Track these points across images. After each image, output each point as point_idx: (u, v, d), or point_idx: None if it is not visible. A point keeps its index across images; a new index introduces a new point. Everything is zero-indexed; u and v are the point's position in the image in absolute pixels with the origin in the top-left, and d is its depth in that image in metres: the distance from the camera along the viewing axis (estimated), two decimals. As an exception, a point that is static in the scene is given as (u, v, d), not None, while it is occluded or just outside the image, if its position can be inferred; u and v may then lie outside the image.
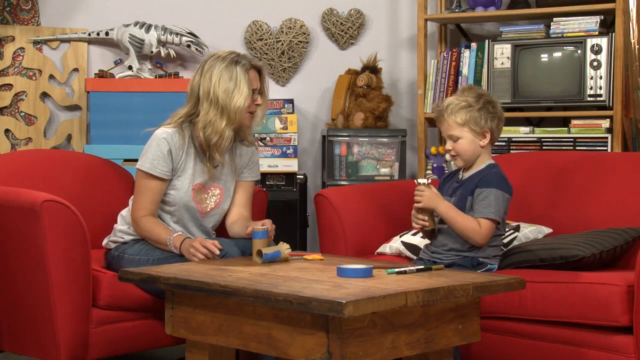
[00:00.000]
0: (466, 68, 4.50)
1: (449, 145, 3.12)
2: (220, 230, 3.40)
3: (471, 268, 3.04)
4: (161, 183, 3.20)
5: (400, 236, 3.54)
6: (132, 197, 3.36)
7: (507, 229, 3.41)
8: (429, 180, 3.07)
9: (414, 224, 3.13)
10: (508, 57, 4.34)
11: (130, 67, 4.75)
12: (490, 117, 3.09)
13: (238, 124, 3.22)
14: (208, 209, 3.29)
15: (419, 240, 3.42)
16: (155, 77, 4.74)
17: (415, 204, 3.08)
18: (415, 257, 3.31)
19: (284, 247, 2.96)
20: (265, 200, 3.68)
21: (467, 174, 3.15)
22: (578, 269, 3.08)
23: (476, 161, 3.13)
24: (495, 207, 3.01)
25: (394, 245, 3.51)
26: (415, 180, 3.11)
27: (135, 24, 4.76)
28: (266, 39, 4.96)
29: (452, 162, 3.60)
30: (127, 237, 3.28)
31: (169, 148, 3.18)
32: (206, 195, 3.29)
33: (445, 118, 3.10)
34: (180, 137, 3.21)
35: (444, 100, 3.18)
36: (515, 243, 3.36)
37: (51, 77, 4.84)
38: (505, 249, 3.25)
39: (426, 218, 3.07)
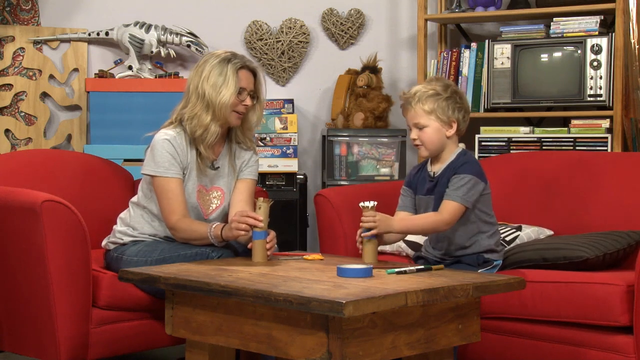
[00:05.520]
0: (466, 68, 4.50)
1: (414, 134, 3.09)
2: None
3: (476, 267, 3.04)
4: (179, 181, 3.19)
5: (401, 235, 3.54)
6: (131, 199, 3.37)
7: (508, 228, 3.41)
8: (373, 204, 2.97)
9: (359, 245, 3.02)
10: (508, 57, 4.34)
11: (130, 67, 4.75)
12: (457, 108, 3.07)
13: (224, 121, 3.21)
14: (210, 210, 3.29)
15: (420, 238, 3.42)
16: (155, 77, 4.74)
17: (367, 231, 2.94)
18: (414, 252, 3.30)
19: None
20: (265, 200, 3.68)
21: (437, 169, 3.11)
22: (581, 270, 3.08)
23: (444, 152, 3.10)
24: (464, 192, 2.99)
25: (395, 243, 3.51)
26: (360, 204, 2.98)
27: (135, 24, 4.76)
28: (266, 39, 4.96)
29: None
30: (126, 239, 3.28)
31: (174, 149, 3.18)
32: (209, 197, 3.29)
33: (413, 106, 3.07)
34: (182, 139, 3.21)
35: (411, 88, 3.15)
36: (517, 242, 3.35)
37: (51, 77, 4.84)
38: (507, 246, 3.24)
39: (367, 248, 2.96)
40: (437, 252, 3.14)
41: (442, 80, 3.12)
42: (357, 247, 3.02)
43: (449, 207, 2.99)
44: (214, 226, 3.09)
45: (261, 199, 3.01)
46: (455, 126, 3.07)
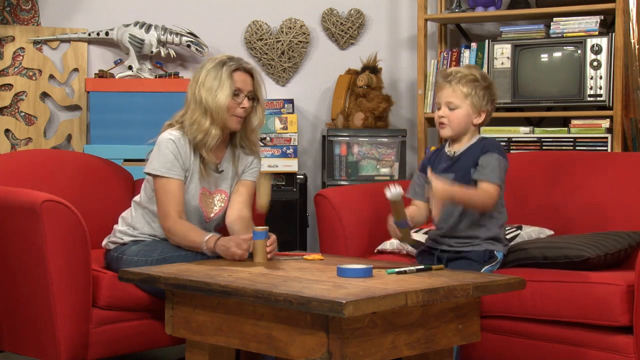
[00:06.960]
0: (466, 68, 4.50)
1: (443, 112, 3.12)
2: (222, 229, 3.40)
3: (482, 263, 3.05)
4: (180, 183, 3.19)
5: (401, 235, 3.53)
6: (134, 198, 3.37)
7: (508, 228, 3.41)
8: (399, 190, 2.81)
9: (393, 234, 2.98)
10: (508, 57, 4.34)
11: (130, 67, 4.75)
12: (490, 100, 3.15)
13: (223, 124, 3.21)
14: (212, 214, 3.29)
15: (422, 237, 3.42)
16: (155, 77, 4.74)
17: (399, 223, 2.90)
18: (416, 250, 3.29)
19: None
20: (265, 200, 3.68)
21: (457, 149, 3.15)
22: (581, 269, 3.08)
23: (465, 137, 3.14)
24: (499, 174, 3.05)
25: (395, 241, 3.51)
26: (387, 190, 2.80)
27: (135, 24, 4.76)
28: (266, 39, 4.96)
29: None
30: (126, 238, 3.28)
31: (177, 150, 3.19)
32: (211, 200, 3.28)
33: (452, 85, 3.10)
34: (186, 141, 3.21)
35: (450, 68, 3.17)
36: (518, 240, 3.35)
37: (51, 77, 4.84)
38: (509, 244, 3.25)
39: (398, 231, 2.92)
40: (444, 237, 3.13)
41: (479, 70, 3.18)
42: (390, 233, 2.97)
43: (493, 189, 3.03)
44: (206, 239, 3.08)
45: (262, 176, 2.99)
46: (483, 116, 3.14)
